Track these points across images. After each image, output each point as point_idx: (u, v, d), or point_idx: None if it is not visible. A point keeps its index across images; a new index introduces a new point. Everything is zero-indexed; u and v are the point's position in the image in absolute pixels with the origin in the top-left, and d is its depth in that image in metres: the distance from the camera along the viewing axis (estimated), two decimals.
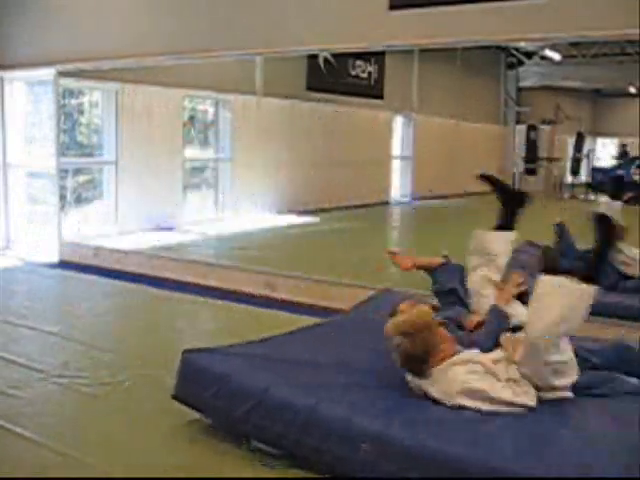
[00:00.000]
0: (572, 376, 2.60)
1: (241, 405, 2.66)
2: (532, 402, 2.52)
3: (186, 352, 2.98)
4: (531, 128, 16.78)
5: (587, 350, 2.82)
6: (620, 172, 15.85)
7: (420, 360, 2.61)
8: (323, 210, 10.26)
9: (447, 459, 2.23)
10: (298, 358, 3.05)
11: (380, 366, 2.97)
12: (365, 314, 3.82)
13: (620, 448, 2.27)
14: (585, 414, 2.58)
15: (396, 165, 13.01)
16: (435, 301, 3.40)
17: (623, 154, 17.21)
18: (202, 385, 2.81)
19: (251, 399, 2.65)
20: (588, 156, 18.48)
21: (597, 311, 4.27)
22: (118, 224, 7.66)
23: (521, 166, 16.76)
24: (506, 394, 2.51)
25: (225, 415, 2.74)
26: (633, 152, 16.21)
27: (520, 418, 2.51)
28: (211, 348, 3.09)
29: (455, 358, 2.62)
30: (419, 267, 3.55)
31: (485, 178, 3.70)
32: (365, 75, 11.69)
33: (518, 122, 17.01)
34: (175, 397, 2.92)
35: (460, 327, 3.04)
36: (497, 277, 3.23)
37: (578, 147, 18.18)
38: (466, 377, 2.54)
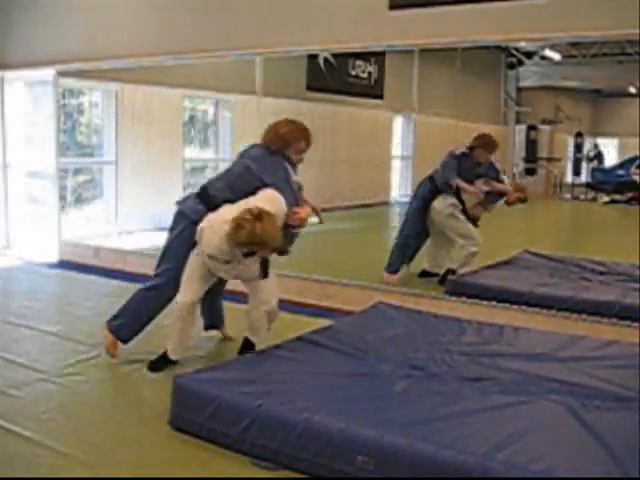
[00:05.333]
0: None
1: (236, 425, 2.65)
2: None
3: (178, 377, 2.95)
4: (531, 128, 16.77)
5: None
6: (620, 172, 15.84)
7: None
8: (323, 210, 10.23)
9: (445, 465, 2.22)
10: (288, 372, 3.04)
11: (372, 376, 2.98)
12: (353, 325, 3.84)
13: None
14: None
15: (396, 165, 13.00)
16: None
17: (597, 155, 17.18)
18: (196, 409, 2.79)
19: (245, 418, 2.63)
20: (588, 156, 18.48)
21: (595, 310, 4.33)
22: (118, 224, 7.65)
23: (521, 166, 16.75)
24: None
25: (222, 436, 2.71)
26: (631, 152, 16.18)
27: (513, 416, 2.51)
28: (201, 369, 3.08)
29: None
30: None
31: None
32: (365, 75, 11.68)
33: (518, 122, 16.98)
34: (172, 424, 2.89)
35: None
36: None
37: (578, 147, 18.15)
38: None
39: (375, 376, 3.00)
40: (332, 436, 2.42)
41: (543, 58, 15.42)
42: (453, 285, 5.18)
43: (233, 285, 5.51)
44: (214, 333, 4.19)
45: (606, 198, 14.85)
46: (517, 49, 15.33)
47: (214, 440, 2.74)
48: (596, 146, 17.39)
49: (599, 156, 16.81)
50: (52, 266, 6.48)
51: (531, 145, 16.96)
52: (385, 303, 4.25)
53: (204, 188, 3.73)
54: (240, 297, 5.27)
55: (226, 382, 2.87)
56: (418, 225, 5.70)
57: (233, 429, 2.66)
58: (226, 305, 5.14)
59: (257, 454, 2.61)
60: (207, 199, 3.63)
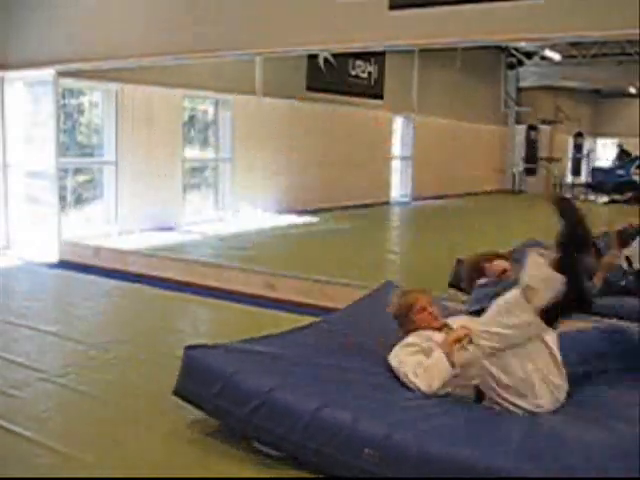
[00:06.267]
0: (536, 399, 2.60)
1: (244, 406, 2.62)
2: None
3: (189, 348, 2.93)
4: (531, 128, 16.80)
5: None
6: (620, 172, 15.85)
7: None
8: (323, 210, 10.26)
9: (451, 463, 2.22)
10: (302, 358, 3.01)
11: (383, 366, 2.96)
12: (367, 308, 3.80)
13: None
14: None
15: (396, 165, 13.02)
16: None
17: (622, 154, 17.12)
18: (205, 383, 2.76)
19: (254, 400, 2.61)
20: (588, 156, 18.48)
21: (595, 310, 4.31)
22: (118, 224, 7.67)
23: (521, 166, 16.78)
24: (412, 376, 2.74)
25: (227, 415, 2.69)
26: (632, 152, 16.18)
27: (522, 420, 2.52)
28: (214, 344, 3.04)
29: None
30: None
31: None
32: (365, 75, 11.69)
33: (518, 122, 17.04)
34: (176, 393, 2.88)
35: None
36: None
37: (578, 147, 18.16)
38: (400, 351, 2.89)
39: (385, 371, 2.97)
40: (340, 428, 2.41)
41: (543, 58, 15.45)
42: (454, 281, 5.16)
43: (233, 285, 5.53)
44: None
45: (606, 198, 14.86)
46: (517, 49, 15.37)
47: (217, 417, 2.72)
48: (620, 145, 17.35)
49: (622, 154, 16.72)
50: (52, 266, 6.48)
51: (531, 145, 16.98)
52: (394, 282, 4.18)
53: None
54: (240, 297, 5.30)
55: (239, 361, 2.85)
56: None
57: (240, 409, 2.63)
58: (227, 305, 5.17)
59: (262, 438, 2.59)
60: None
